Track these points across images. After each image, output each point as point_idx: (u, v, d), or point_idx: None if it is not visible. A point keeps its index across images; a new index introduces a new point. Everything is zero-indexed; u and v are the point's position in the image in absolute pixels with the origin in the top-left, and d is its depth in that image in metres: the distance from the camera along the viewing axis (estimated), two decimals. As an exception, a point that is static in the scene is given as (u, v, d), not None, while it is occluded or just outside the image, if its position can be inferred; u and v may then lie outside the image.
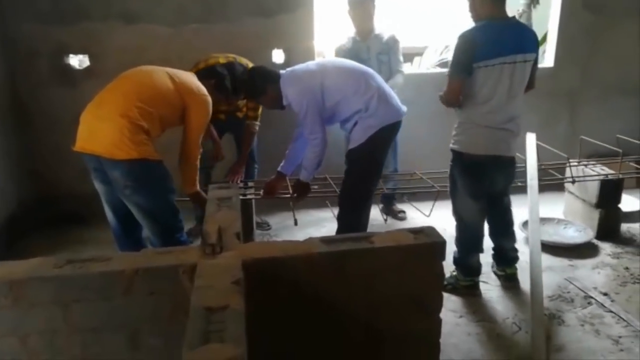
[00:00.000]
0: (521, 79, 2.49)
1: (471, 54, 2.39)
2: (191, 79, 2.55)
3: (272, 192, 3.05)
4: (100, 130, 2.30)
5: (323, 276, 1.65)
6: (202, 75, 2.67)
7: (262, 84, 2.73)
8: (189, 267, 1.56)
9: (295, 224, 3.16)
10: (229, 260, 1.57)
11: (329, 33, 5.40)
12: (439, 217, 3.06)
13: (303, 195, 2.96)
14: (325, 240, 1.71)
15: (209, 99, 2.54)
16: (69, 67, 3.64)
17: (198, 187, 2.68)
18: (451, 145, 2.65)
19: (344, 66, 2.78)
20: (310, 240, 1.73)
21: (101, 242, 3.46)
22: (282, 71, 2.75)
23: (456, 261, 2.80)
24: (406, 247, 1.69)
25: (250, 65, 3.11)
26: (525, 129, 3.67)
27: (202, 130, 2.55)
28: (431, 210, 3.07)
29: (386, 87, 2.75)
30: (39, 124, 3.69)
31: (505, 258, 2.90)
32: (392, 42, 3.46)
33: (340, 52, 3.49)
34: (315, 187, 3.13)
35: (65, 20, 3.52)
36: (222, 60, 2.99)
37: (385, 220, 3.51)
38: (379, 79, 2.77)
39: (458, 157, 2.63)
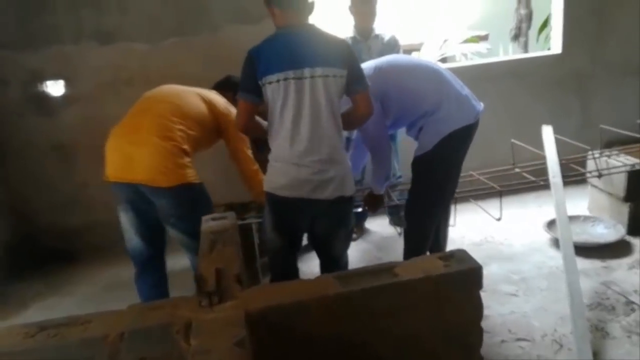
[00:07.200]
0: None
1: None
2: (219, 99, 2.39)
3: (379, 206, 2.73)
4: (139, 157, 2.13)
5: (342, 319, 1.40)
6: (220, 88, 2.49)
7: None
8: (183, 325, 1.31)
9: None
10: (228, 313, 1.31)
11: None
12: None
13: (376, 208, 2.73)
14: (341, 276, 1.46)
15: None
16: (45, 95, 3.39)
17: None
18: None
19: (407, 65, 2.44)
20: (323, 278, 1.48)
21: (95, 281, 3.21)
22: None
23: None
24: (436, 277, 1.44)
25: None
26: (536, 122, 3.44)
27: (246, 145, 2.40)
28: (501, 212, 2.77)
29: (457, 84, 2.38)
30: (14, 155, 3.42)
31: None
32: (394, 43, 3.22)
33: None
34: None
35: (35, 45, 3.28)
36: None
37: (400, 233, 3.25)
38: (449, 75, 2.40)
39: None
